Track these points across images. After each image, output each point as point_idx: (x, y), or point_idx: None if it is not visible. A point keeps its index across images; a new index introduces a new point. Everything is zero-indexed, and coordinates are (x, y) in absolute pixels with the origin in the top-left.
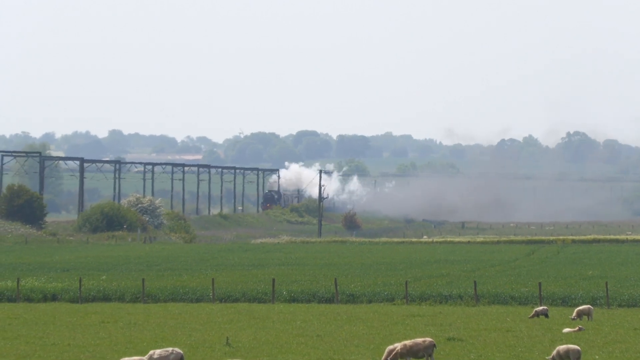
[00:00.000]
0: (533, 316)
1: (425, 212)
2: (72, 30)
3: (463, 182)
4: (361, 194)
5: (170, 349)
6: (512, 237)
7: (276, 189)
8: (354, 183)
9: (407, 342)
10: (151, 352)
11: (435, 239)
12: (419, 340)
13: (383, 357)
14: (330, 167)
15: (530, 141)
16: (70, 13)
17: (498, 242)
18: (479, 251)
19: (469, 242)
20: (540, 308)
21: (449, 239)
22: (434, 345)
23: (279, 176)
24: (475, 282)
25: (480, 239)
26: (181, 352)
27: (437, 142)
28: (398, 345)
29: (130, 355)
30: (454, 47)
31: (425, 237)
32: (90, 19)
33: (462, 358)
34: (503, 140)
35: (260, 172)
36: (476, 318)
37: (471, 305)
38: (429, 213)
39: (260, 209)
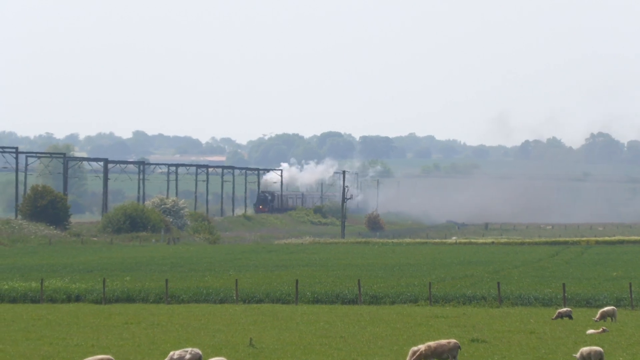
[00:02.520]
0: (556, 317)
1: (448, 214)
2: (96, 32)
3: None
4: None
5: (189, 349)
6: (536, 239)
7: (270, 190)
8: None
9: (431, 344)
10: (171, 353)
11: (458, 240)
12: (443, 341)
13: (407, 358)
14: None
15: (554, 142)
16: (94, 14)
17: (522, 243)
18: (503, 252)
19: (492, 243)
20: (564, 309)
21: (472, 240)
22: (459, 347)
23: (281, 175)
24: (498, 283)
25: (503, 240)
26: (199, 352)
27: (461, 142)
28: (422, 347)
29: (153, 356)
30: (478, 44)
31: (454, 238)
32: (115, 21)
33: (486, 359)
34: (527, 141)
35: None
36: (500, 319)
37: (495, 307)
38: (453, 214)
39: (253, 210)
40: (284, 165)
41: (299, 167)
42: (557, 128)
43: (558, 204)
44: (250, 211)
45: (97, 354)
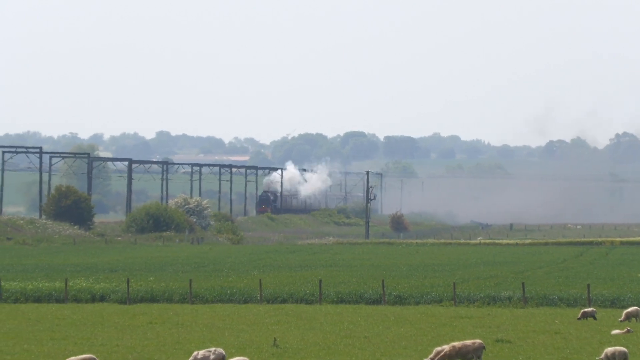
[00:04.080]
0: (581, 318)
1: (473, 214)
2: (121, 32)
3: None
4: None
5: (212, 349)
6: (561, 239)
7: (273, 189)
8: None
9: (456, 344)
10: (195, 353)
11: (483, 241)
12: (468, 342)
13: (430, 356)
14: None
15: (578, 142)
16: (116, 15)
17: (546, 244)
18: (527, 253)
19: (517, 243)
20: (589, 309)
21: (497, 241)
22: (483, 347)
23: (281, 175)
24: (523, 283)
25: (528, 240)
26: (223, 352)
27: (485, 142)
28: (446, 347)
29: (177, 356)
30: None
31: (480, 238)
32: (137, 21)
33: None
34: (551, 141)
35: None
36: (524, 320)
37: (519, 307)
38: (477, 215)
39: (255, 211)
40: (289, 166)
41: (310, 168)
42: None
43: (583, 204)
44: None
45: (122, 353)
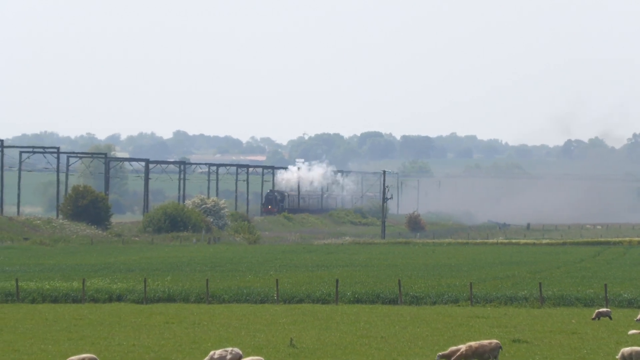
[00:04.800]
0: (595, 318)
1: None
2: (136, 33)
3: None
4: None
5: (229, 348)
6: (578, 239)
7: (280, 189)
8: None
9: (473, 344)
10: (212, 352)
11: (500, 241)
12: (485, 342)
13: (444, 352)
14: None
15: (596, 142)
16: (135, 16)
17: (563, 244)
18: (544, 252)
19: (534, 243)
20: (603, 310)
21: (514, 241)
22: (500, 347)
23: (283, 173)
24: (540, 283)
25: (545, 240)
26: (240, 352)
27: (503, 142)
28: (463, 347)
29: (194, 355)
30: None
31: (501, 238)
32: (155, 22)
33: None
34: (569, 140)
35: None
36: (541, 320)
37: (536, 307)
38: (494, 215)
39: (260, 211)
40: (292, 167)
41: (309, 165)
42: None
43: (602, 204)
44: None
45: (139, 353)
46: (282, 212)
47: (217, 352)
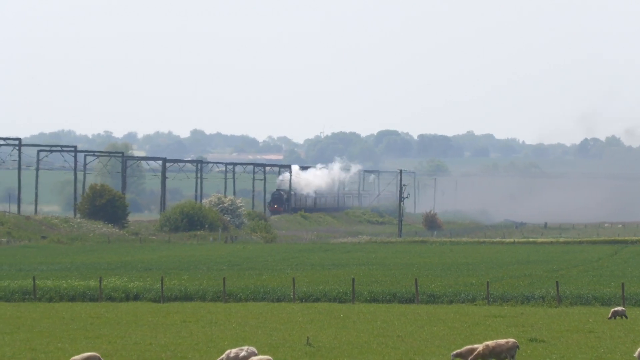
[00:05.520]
0: (611, 317)
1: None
2: (154, 32)
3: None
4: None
5: (245, 347)
6: (595, 238)
7: (285, 188)
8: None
9: (490, 343)
10: (227, 351)
11: (517, 240)
12: (502, 341)
13: (460, 350)
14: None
15: (612, 141)
16: (152, 15)
17: (581, 243)
18: (561, 251)
19: (551, 242)
20: (619, 308)
21: (530, 239)
22: (517, 346)
23: (290, 174)
24: (557, 282)
25: (562, 239)
26: (255, 350)
27: (520, 141)
28: (480, 346)
29: (211, 354)
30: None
31: (518, 237)
32: (173, 21)
33: (544, 359)
34: (586, 139)
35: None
36: (558, 319)
37: (553, 306)
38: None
39: (267, 210)
40: (295, 166)
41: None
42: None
43: (620, 203)
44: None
45: (155, 351)
46: (288, 211)
47: (233, 351)
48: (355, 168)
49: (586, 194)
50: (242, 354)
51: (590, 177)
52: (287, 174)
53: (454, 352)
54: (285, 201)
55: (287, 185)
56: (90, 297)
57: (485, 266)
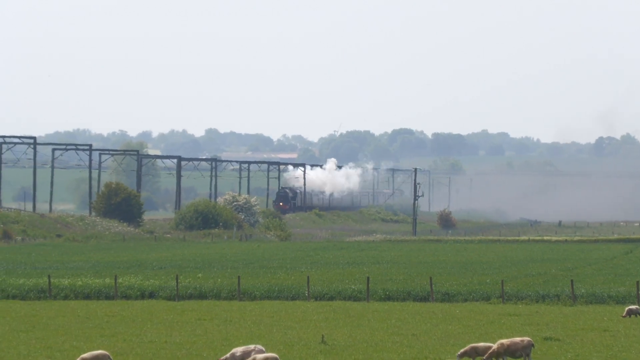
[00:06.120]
0: (626, 315)
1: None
2: (168, 31)
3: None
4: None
5: (252, 346)
6: (610, 236)
7: (291, 186)
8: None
9: (505, 341)
10: (233, 350)
11: (531, 238)
12: (517, 339)
13: (465, 349)
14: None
15: (627, 139)
16: (166, 13)
17: (595, 241)
18: (576, 250)
19: (565, 240)
20: (633, 307)
21: (545, 238)
22: (532, 345)
23: (304, 171)
24: (572, 281)
25: (577, 237)
26: (263, 348)
27: (535, 139)
28: (494, 345)
29: (226, 352)
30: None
31: (532, 235)
32: (186, 19)
33: (559, 358)
34: (601, 137)
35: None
36: (573, 317)
37: (568, 305)
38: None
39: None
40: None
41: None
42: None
43: (633, 201)
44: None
45: (170, 349)
46: (295, 209)
47: (240, 349)
48: (369, 167)
49: (601, 193)
50: (251, 351)
51: (606, 175)
52: (294, 172)
53: (460, 352)
54: (291, 199)
55: (298, 182)
56: (106, 295)
57: (500, 264)
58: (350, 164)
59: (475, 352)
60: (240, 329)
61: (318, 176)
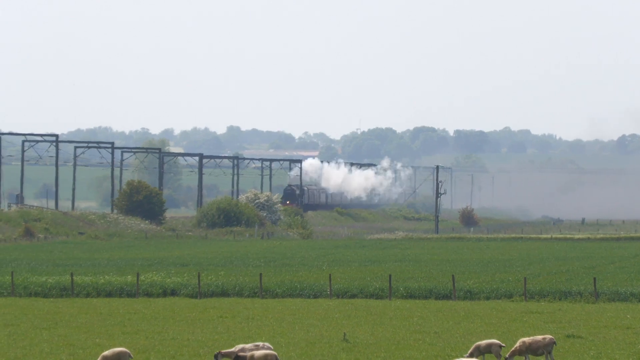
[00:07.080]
0: None
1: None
2: (189, 29)
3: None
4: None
5: (260, 343)
6: (633, 234)
7: (297, 183)
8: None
9: (526, 339)
10: (241, 346)
11: (554, 236)
12: (539, 337)
13: (470, 351)
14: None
15: None
16: (188, 12)
17: (618, 239)
18: (599, 247)
19: (588, 238)
20: None
21: (568, 236)
22: (554, 343)
23: (301, 168)
24: (594, 278)
25: (600, 235)
26: (271, 346)
27: (557, 137)
28: (517, 344)
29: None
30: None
31: (555, 233)
32: (210, 19)
33: (582, 355)
34: (624, 135)
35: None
36: (596, 315)
37: (591, 302)
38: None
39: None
40: (310, 160)
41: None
42: None
43: None
44: None
45: (193, 347)
46: (302, 208)
47: (247, 347)
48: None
49: (624, 190)
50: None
51: (629, 173)
52: (302, 169)
53: (467, 355)
54: (297, 197)
55: (310, 180)
56: (128, 292)
57: (522, 262)
58: (368, 161)
59: (478, 350)
60: (262, 326)
61: (337, 174)
